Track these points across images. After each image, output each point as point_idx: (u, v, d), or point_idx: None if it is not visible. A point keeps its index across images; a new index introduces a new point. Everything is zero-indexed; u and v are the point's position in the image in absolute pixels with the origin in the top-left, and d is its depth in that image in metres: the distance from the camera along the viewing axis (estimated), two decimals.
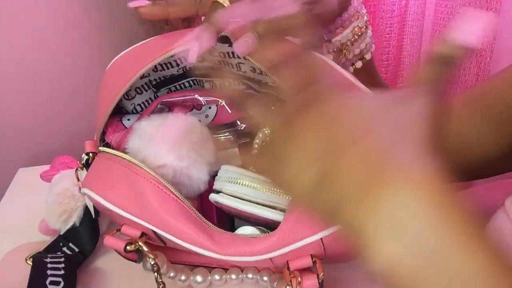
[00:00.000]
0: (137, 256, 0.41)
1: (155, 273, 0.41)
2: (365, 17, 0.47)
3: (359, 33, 0.46)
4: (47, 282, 0.44)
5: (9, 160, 0.99)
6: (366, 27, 0.47)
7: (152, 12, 0.40)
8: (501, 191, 0.68)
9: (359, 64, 0.48)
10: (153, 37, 0.43)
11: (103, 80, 0.45)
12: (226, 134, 0.47)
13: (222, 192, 0.42)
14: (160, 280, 0.42)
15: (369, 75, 0.49)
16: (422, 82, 0.27)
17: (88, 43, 0.98)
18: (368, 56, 0.48)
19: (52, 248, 0.52)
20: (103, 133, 0.46)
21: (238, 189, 0.40)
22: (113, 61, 0.44)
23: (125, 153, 0.42)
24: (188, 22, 0.45)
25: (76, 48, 0.98)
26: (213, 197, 0.42)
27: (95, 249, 0.52)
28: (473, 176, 0.59)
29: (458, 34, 0.25)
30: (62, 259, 0.48)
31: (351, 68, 0.48)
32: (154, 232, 0.39)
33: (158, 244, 0.42)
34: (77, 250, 0.51)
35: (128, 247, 0.40)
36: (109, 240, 0.41)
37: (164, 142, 0.41)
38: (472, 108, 0.53)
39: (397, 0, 0.79)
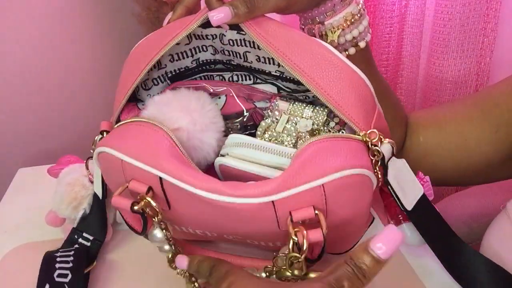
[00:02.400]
0: (142, 221, 0.41)
1: (163, 230, 0.42)
2: (360, 5, 0.48)
3: (352, 20, 0.48)
4: (55, 275, 0.45)
5: (9, 160, 0.99)
6: (361, 16, 0.48)
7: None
8: (501, 193, 0.68)
9: (352, 50, 0.49)
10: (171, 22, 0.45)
11: (127, 61, 0.46)
12: (236, 124, 0.49)
13: (228, 155, 0.42)
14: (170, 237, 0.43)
15: (364, 63, 0.50)
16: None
17: (88, 43, 0.98)
18: (362, 44, 0.49)
19: (68, 243, 0.52)
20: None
21: (245, 152, 0.41)
22: (137, 44, 0.46)
23: None
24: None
25: (76, 48, 0.98)
26: (218, 160, 0.42)
27: (104, 242, 0.53)
28: (473, 181, 0.59)
29: (375, 248, 0.30)
30: (72, 252, 0.48)
31: (344, 53, 0.49)
32: (161, 183, 0.39)
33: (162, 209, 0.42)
34: (91, 238, 0.52)
35: (135, 207, 0.39)
36: (116, 200, 0.40)
37: (179, 106, 0.43)
38: (473, 110, 0.53)
39: (397, 0, 0.79)
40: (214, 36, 0.45)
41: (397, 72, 0.86)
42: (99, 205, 0.52)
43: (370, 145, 0.39)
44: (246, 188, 0.37)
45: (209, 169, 0.46)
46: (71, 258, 0.48)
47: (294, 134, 0.44)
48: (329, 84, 0.39)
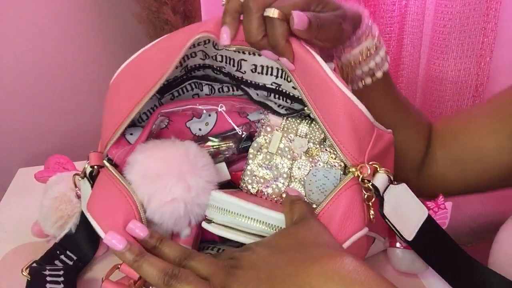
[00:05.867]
0: None
1: None
2: (375, 39, 0.47)
3: (368, 54, 0.47)
4: None
5: (9, 160, 0.99)
6: (377, 48, 0.48)
7: None
8: (500, 194, 0.68)
9: (368, 80, 0.49)
10: (160, 38, 0.42)
11: (113, 89, 0.43)
12: (229, 142, 0.47)
13: (213, 222, 0.42)
14: None
15: (383, 91, 0.50)
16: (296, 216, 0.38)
17: (88, 44, 0.98)
18: (379, 75, 0.49)
19: (49, 256, 0.50)
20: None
21: (229, 220, 0.41)
22: (121, 68, 0.43)
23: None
24: (188, 22, 0.44)
25: (76, 49, 0.98)
26: (205, 226, 0.42)
27: (94, 258, 0.51)
28: (491, 188, 0.58)
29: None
30: (62, 272, 0.47)
31: (360, 84, 0.49)
32: None
33: None
34: (75, 258, 0.50)
35: None
36: (107, 286, 0.39)
37: (169, 175, 0.41)
38: (493, 120, 0.52)
39: (397, 0, 0.79)
40: (207, 41, 0.43)
41: (397, 72, 0.86)
42: (87, 225, 0.48)
43: (361, 180, 0.38)
44: None
45: None
46: (62, 279, 0.46)
47: (289, 156, 0.44)
48: (326, 110, 0.39)
